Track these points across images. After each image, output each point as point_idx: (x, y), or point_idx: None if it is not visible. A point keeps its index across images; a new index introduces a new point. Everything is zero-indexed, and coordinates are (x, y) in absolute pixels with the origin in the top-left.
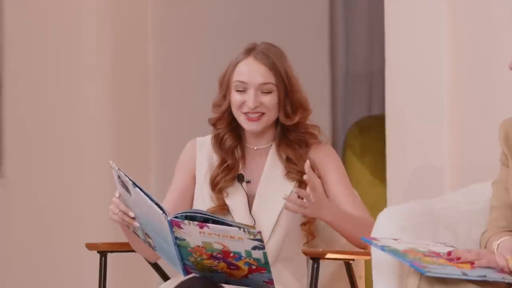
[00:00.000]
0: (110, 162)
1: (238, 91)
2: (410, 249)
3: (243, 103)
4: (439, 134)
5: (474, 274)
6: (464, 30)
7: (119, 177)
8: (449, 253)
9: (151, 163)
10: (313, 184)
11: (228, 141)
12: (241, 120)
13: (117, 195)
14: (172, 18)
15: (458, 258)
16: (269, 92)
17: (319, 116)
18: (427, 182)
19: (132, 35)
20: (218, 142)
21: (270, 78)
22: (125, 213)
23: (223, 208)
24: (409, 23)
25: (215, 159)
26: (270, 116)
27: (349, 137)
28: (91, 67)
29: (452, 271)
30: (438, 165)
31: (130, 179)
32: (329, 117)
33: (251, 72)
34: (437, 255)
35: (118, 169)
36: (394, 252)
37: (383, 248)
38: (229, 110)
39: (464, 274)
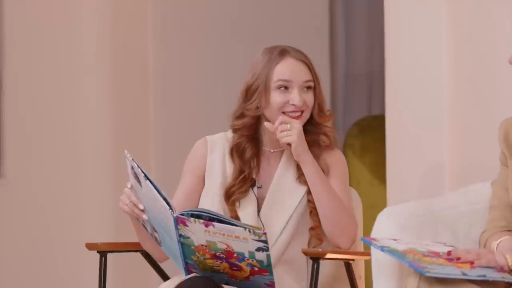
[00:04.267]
0: (125, 152)
1: (280, 88)
2: (409, 249)
3: (286, 103)
4: (439, 134)
5: (474, 274)
6: (464, 31)
7: (132, 168)
8: (449, 253)
9: (151, 163)
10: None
11: (249, 151)
12: None
13: (129, 186)
14: (172, 18)
15: (458, 258)
16: (310, 89)
17: None
18: (427, 182)
19: (132, 35)
20: (239, 152)
21: (310, 75)
22: (135, 205)
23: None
24: (409, 23)
25: (228, 165)
26: (308, 114)
27: (349, 137)
28: (91, 67)
29: (452, 271)
30: (438, 165)
31: (142, 171)
32: None
33: (295, 70)
34: (437, 255)
35: (132, 159)
36: (393, 252)
37: (382, 248)
38: (256, 117)
39: (464, 274)
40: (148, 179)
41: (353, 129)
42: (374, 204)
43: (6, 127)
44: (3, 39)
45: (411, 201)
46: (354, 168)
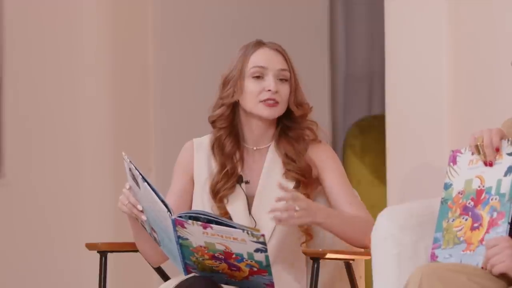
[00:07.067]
0: (123, 153)
1: (255, 77)
2: (463, 188)
3: (261, 90)
4: (439, 134)
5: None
6: (464, 30)
7: (130, 169)
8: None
9: (151, 163)
10: (293, 195)
11: (228, 145)
12: (259, 108)
13: (127, 186)
14: (172, 18)
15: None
16: (285, 81)
17: (319, 116)
18: (427, 182)
19: (132, 35)
20: (219, 146)
21: (286, 65)
22: (133, 206)
23: (225, 217)
24: (409, 23)
25: (214, 164)
26: (282, 108)
27: (349, 137)
28: (91, 67)
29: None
30: (438, 165)
31: (140, 173)
32: (329, 117)
33: (270, 58)
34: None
35: (130, 161)
36: (442, 209)
37: (446, 185)
38: (232, 107)
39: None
40: (146, 181)
41: (353, 129)
42: (374, 204)
43: (6, 127)
44: (3, 39)
45: (411, 201)
46: (354, 168)
